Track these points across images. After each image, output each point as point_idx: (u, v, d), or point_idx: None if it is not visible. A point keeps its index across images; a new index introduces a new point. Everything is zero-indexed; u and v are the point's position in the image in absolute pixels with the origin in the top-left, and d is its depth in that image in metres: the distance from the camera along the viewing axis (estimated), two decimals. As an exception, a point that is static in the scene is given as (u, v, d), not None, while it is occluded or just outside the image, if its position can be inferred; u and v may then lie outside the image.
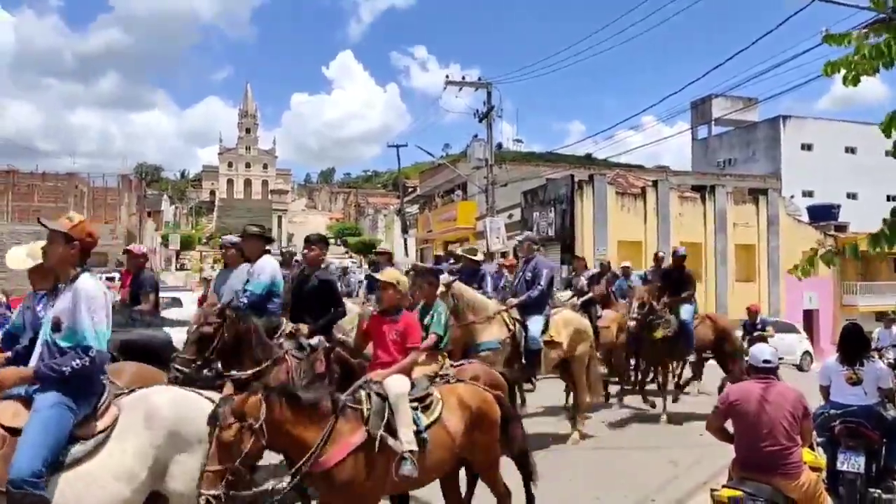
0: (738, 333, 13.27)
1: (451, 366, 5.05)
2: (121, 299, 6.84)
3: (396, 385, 3.98)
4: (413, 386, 4.12)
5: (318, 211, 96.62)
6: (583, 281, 10.54)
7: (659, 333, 8.55)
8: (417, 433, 3.86)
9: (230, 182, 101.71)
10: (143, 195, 42.92)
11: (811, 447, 4.76)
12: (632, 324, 8.62)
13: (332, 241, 67.54)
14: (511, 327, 7.03)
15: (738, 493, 3.94)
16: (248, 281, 5.78)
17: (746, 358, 9.53)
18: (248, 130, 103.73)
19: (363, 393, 3.92)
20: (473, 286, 7.86)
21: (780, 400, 4.12)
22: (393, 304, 4.52)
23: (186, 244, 60.27)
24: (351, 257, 50.77)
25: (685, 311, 8.93)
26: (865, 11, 4.52)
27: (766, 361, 4.36)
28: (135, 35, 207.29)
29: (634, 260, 21.93)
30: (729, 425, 4.41)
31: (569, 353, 7.49)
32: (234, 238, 6.73)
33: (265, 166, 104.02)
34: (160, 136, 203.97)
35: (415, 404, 4.00)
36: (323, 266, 6.35)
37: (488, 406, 4.40)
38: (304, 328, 5.55)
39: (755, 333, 11.10)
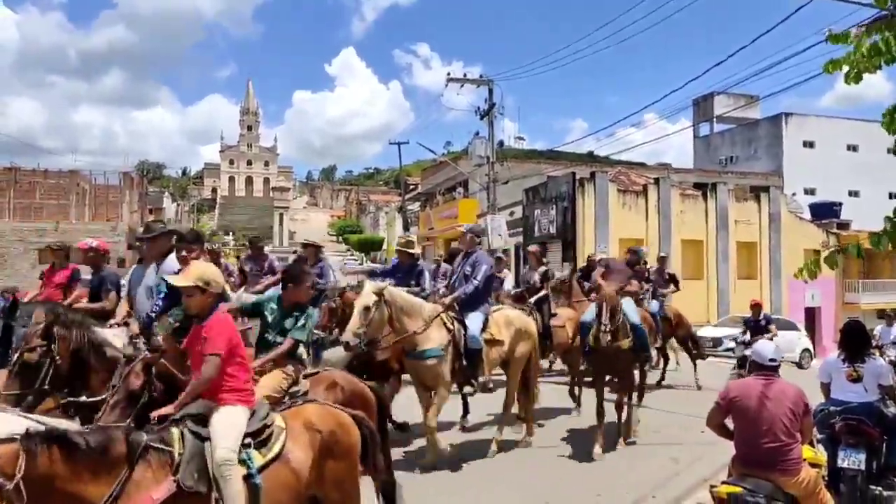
0: (738, 331, 13.29)
1: (307, 374, 4.46)
2: (43, 297, 6.53)
3: (223, 440, 3.19)
4: (252, 414, 3.45)
5: (320, 208, 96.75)
6: (535, 276, 9.43)
7: (625, 344, 7.20)
8: (249, 477, 3.22)
9: (232, 179, 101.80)
10: (145, 193, 42.90)
11: (811, 444, 4.77)
12: (608, 338, 6.96)
13: (333, 238, 67.48)
14: (451, 327, 6.51)
15: (738, 489, 3.95)
16: (160, 283, 5.24)
17: (747, 352, 9.55)
18: (249, 128, 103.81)
19: (175, 431, 3.16)
20: (411, 283, 7.41)
21: (780, 397, 4.13)
22: (202, 308, 3.61)
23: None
24: (352, 254, 50.87)
25: (633, 313, 7.57)
26: (868, 8, 4.53)
27: (771, 360, 4.37)
28: (138, 32, 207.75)
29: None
30: (729, 422, 4.41)
31: (510, 354, 7.07)
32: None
33: (266, 164, 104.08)
34: (163, 134, 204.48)
35: (248, 440, 3.31)
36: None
37: (343, 430, 3.72)
38: None
39: (768, 335, 10.62)
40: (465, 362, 6.51)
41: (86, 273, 7.02)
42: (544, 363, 9.66)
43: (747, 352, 9.79)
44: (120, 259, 26.06)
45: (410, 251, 8.02)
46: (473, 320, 6.62)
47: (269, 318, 4.54)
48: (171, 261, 5.38)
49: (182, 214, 78.88)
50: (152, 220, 6.01)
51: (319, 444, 3.54)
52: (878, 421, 5.44)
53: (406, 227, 39.92)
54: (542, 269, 9.64)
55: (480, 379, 6.72)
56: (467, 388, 6.81)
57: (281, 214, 68.76)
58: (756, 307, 11.45)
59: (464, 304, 6.72)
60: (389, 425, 5.20)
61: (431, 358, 6.27)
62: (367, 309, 5.88)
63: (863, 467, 5.29)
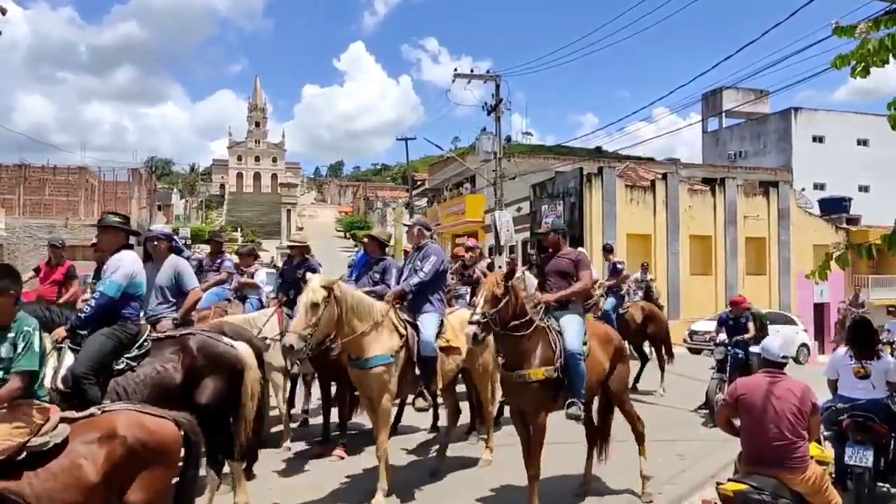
0: (713, 326, 13.06)
1: (70, 419, 3.34)
2: (36, 295, 6.49)
3: None
4: None
5: (327, 204, 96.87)
6: (477, 273, 8.44)
7: (539, 373, 5.03)
8: None
9: (240, 175, 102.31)
10: (154, 189, 43.11)
11: (818, 441, 4.75)
12: (470, 337, 4.89)
13: (341, 234, 67.42)
14: (402, 331, 5.71)
15: (743, 486, 3.93)
16: (97, 280, 4.84)
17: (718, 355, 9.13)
18: (257, 124, 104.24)
19: None
20: (375, 279, 6.72)
21: (787, 394, 4.11)
22: None
23: (196, 238, 60.60)
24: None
25: (573, 335, 5.21)
26: (879, 2, 4.48)
27: (783, 357, 4.36)
28: (150, 28, 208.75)
29: (642, 255, 21.95)
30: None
31: (469, 362, 6.28)
32: (164, 229, 5.90)
33: (274, 159, 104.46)
34: (173, 130, 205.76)
35: None
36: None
37: None
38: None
39: (747, 335, 9.10)
40: (418, 372, 5.75)
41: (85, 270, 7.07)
42: None
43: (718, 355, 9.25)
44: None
45: (382, 240, 7.19)
46: (427, 324, 5.82)
47: None
48: (120, 257, 4.72)
49: (191, 211, 79.29)
50: (110, 211, 5.30)
51: None
52: (885, 418, 5.42)
53: (413, 224, 39.97)
54: (486, 261, 8.66)
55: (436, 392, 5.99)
56: (420, 403, 6.01)
57: (289, 210, 68.77)
58: (737, 305, 9.58)
59: (413, 304, 5.95)
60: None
61: (378, 366, 5.46)
62: (314, 306, 5.09)
63: (870, 465, 5.26)
